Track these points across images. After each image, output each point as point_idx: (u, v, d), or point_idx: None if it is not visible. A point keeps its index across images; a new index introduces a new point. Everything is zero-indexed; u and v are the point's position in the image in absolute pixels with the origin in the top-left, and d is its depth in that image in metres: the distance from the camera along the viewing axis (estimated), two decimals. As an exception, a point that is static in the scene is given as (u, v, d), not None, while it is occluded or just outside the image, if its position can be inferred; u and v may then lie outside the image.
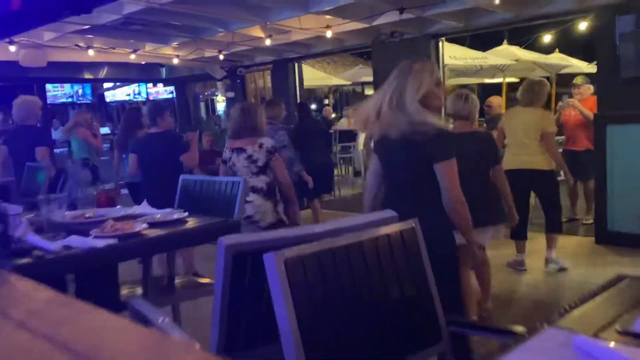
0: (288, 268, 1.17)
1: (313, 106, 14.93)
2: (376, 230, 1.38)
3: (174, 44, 7.50)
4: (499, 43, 10.64)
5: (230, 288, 1.27)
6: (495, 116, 6.64)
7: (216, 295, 1.28)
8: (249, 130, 3.73)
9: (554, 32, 11.58)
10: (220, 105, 10.77)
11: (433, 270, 2.16)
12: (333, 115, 11.38)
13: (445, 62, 7.12)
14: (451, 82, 7.97)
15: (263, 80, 9.53)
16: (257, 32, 6.84)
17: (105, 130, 17.08)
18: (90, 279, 2.20)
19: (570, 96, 6.44)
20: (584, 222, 6.35)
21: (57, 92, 15.58)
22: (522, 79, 10.12)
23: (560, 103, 6.42)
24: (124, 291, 2.49)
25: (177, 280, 2.81)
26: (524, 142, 4.53)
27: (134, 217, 2.44)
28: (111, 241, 2.05)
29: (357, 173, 10.01)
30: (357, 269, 1.31)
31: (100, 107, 18.32)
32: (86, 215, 2.37)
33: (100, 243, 2.02)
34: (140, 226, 2.19)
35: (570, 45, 11.99)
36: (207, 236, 2.25)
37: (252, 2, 5.41)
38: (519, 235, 4.66)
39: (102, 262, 2.06)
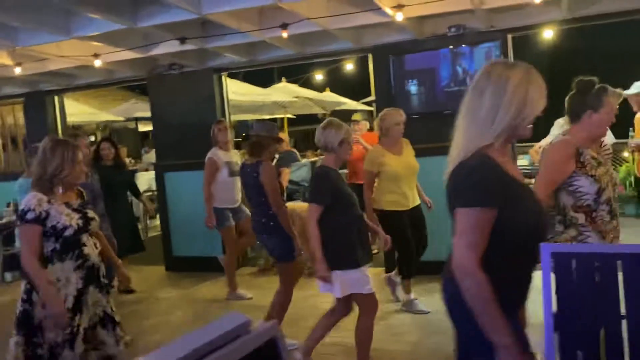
0: None
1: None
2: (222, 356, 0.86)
3: None
4: (271, 80, 10.81)
5: None
6: (286, 152, 6.63)
7: None
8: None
9: (325, 71, 12.28)
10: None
11: None
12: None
13: (231, 97, 6.79)
14: (233, 118, 7.69)
15: (13, 116, 8.01)
16: (2, 58, 5.63)
17: None
18: None
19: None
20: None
21: None
22: (300, 115, 10.43)
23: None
24: None
25: None
26: None
27: None
28: None
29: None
30: None
31: None
32: None
33: None
34: None
35: (339, 84, 12.83)
36: None
37: (-7, 20, 4.35)
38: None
39: None
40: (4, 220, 6.77)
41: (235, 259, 5.50)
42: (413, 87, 5.57)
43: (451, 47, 5.30)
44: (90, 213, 2.93)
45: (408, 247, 4.41)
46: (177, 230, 6.64)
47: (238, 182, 5.19)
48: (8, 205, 6.99)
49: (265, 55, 6.12)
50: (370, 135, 6.45)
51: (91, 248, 2.87)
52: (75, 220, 2.79)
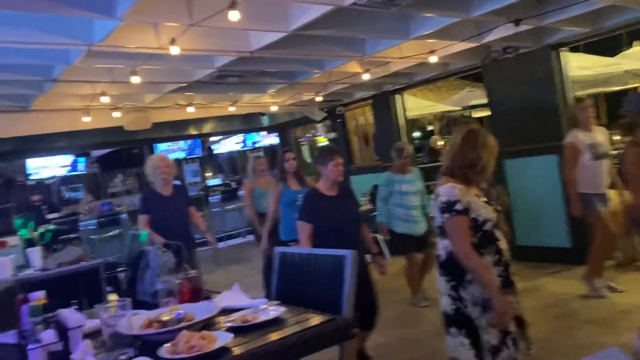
0: None
1: (417, 134, 14.14)
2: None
3: (271, 91, 7.28)
4: (618, 46, 9.28)
5: None
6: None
7: None
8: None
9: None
10: (322, 147, 10.47)
11: None
12: (440, 144, 10.49)
13: (572, 73, 6.19)
14: (578, 94, 6.96)
15: (364, 117, 9.09)
16: (353, 67, 6.42)
17: (217, 181, 17.52)
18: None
19: None
20: None
21: (171, 147, 16.26)
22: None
23: None
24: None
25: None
26: None
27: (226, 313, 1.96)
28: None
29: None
30: None
31: (210, 160, 18.96)
32: (163, 319, 1.93)
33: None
34: (222, 339, 1.70)
35: None
36: (306, 348, 1.69)
37: (346, 37, 4.97)
38: None
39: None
40: (363, 208, 7.73)
41: (605, 249, 4.85)
42: None
43: None
44: (495, 205, 2.74)
45: None
46: (520, 218, 6.43)
47: (605, 165, 4.71)
48: (364, 195, 7.94)
49: (613, 21, 5.36)
50: None
51: (503, 243, 2.66)
52: (492, 213, 2.64)
